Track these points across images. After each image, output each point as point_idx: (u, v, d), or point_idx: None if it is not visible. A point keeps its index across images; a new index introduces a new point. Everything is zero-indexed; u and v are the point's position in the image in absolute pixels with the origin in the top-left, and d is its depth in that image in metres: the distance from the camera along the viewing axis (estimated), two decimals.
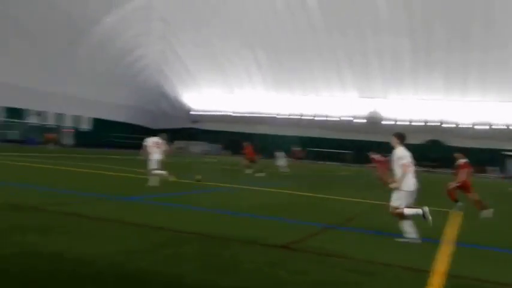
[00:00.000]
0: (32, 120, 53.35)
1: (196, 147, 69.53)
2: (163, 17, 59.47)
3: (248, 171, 23.26)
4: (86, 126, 60.79)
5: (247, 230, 7.85)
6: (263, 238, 7.14)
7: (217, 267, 5.37)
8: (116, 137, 64.23)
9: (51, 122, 55.14)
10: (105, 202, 9.99)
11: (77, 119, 59.37)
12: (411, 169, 7.70)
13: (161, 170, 14.31)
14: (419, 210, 7.58)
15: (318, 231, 8.22)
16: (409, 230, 7.62)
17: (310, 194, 14.53)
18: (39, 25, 47.69)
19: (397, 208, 7.64)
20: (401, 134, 8.02)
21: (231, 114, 72.02)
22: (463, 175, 12.39)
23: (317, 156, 62.26)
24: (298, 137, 63.89)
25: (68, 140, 56.69)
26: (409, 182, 7.61)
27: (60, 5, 48.24)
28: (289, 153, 37.17)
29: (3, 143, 45.27)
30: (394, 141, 7.91)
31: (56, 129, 54.67)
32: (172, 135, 72.76)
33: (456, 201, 12.65)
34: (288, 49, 59.67)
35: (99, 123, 61.71)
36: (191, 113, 73.86)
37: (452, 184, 12.55)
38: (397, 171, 7.68)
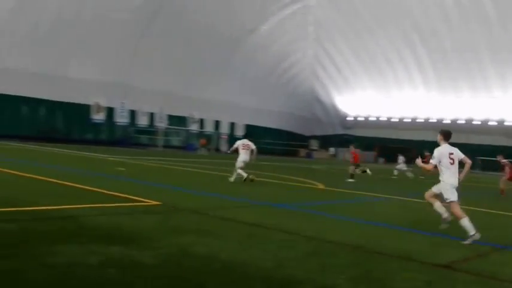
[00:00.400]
0: (192, 127, 58.22)
1: (349, 154, 68.83)
2: (317, 21, 60.26)
3: (350, 179, 22.37)
4: (240, 132, 64.29)
5: (400, 243, 7.49)
6: (419, 254, 6.74)
7: (368, 281, 5.22)
8: (268, 143, 66.66)
9: (209, 128, 59.50)
10: (258, 208, 10.42)
11: (232, 125, 63.16)
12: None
13: (244, 170, 16.05)
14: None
15: (487, 251, 7.49)
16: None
17: (475, 208, 13.32)
18: (198, 35, 52.03)
19: None
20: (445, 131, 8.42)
21: (387, 119, 69.59)
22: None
23: (486, 166, 56.79)
24: (466, 145, 59.10)
25: (224, 146, 60.51)
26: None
27: (221, 16, 52.10)
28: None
29: (167, 149, 50.29)
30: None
31: (211, 136, 58.72)
32: (324, 141, 73.28)
33: None
34: (455, 46, 55.62)
35: (252, 129, 64.72)
36: (346, 118, 73.06)
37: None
38: None
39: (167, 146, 53.74)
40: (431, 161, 8.33)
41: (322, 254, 6.38)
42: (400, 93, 65.63)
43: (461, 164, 8.47)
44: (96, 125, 48.89)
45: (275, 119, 69.66)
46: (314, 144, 74.77)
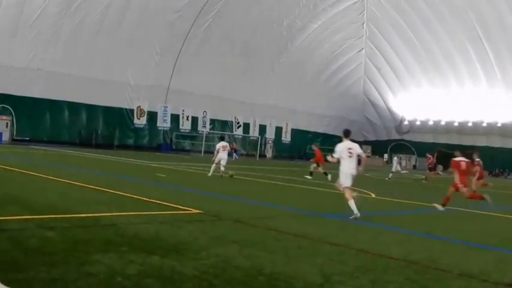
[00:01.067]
0: (237, 132, 58.56)
1: (405, 161, 67.21)
2: (370, 17, 59.51)
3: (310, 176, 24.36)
4: (286, 137, 64.16)
5: (461, 259, 7.23)
6: (482, 271, 6.48)
7: None
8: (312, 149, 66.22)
9: (254, 133, 59.63)
10: (306, 218, 10.35)
11: (279, 130, 63.10)
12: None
13: (224, 168, 19.02)
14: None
15: None
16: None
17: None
18: (244, 36, 52.43)
19: None
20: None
21: (445, 123, 67.61)
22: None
23: None
24: None
25: (268, 152, 60.54)
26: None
27: (269, 15, 52.33)
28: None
29: (210, 155, 50.77)
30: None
31: (256, 141, 58.86)
32: (378, 147, 72.03)
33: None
34: None
35: (300, 134, 64.49)
36: (402, 122, 71.55)
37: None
38: None
39: (211, 151, 54.36)
40: (334, 154, 11.24)
41: (374, 269, 6.24)
42: (462, 93, 63.57)
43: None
44: (138, 130, 50.08)
45: (324, 123, 69.11)
46: (366, 150, 73.68)
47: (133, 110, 49.17)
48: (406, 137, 71.10)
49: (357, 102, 71.13)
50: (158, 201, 10.65)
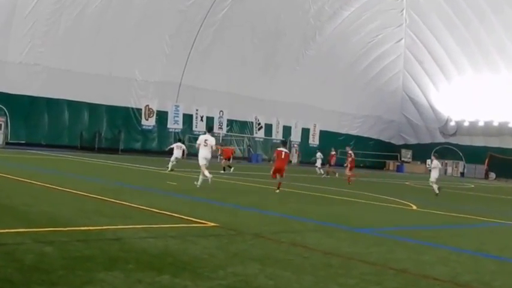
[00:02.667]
0: (258, 134, 58.49)
1: (451, 168, 66.47)
2: (411, 2, 59.06)
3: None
4: (314, 140, 63.88)
5: None
6: None
7: None
8: (344, 153, 65.77)
9: (278, 136, 59.46)
10: (336, 233, 10.30)
11: (305, 132, 62.88)
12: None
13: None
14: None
15: None
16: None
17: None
18: (264, 26, 52.50)
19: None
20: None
21: (499, 124, 66.58)
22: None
23: None
24: None
25: (293, 157, 60.29)
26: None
27: (296, 2, 52.36)
28: None
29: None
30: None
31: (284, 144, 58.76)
32: (420, 152, 71.28)
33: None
34: None
35: (330, 137, 64.15)
36: (448, 123, 70.66)
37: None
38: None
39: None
40: (197, 142, 18.61)
41: None
42: None
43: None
44: (146, 132, 50.47)
45: (358, 124, 68.79)
46: (406, 155, 73.07)
47: (140, 109, 49.58)
48: (453, 140, 70.23)
49: (395, 99, 70.61)
50: (169, 213, 10.71)
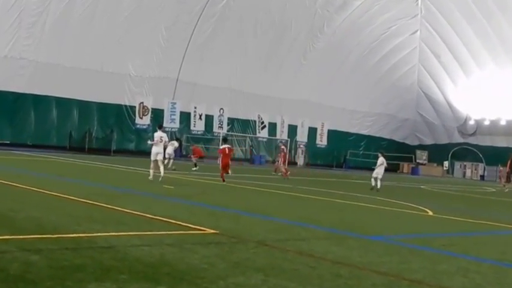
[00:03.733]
0: (261, 133, 58.45)
1: (470, 170, 66.41)
2: None
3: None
4: (322, 140, 63.85)
5: None
6: None
7: None
8: (360, 155, 65.75)
9: (283, 135, 59.42)
10: (345, 240, 10.29)
11: (312, 131, 62.83)
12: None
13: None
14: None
15: None
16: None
17: None
18: (268, 17, 52.47)
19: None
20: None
21: None
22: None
23: None
24: None
25: (300, 159, 60.33)
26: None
27: None
28: None
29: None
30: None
31: (285, 144, 58.73)
32: (436, 153, 71.25)
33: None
34: None
35: (336, 136, 64.12)
36: (467, 122, 70.49)
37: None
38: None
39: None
40: (155, 139, 21.30)
41: None
42: None
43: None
44: (140, 132, 50.49)
45: (369, 123, 68.71)
46: (422, 156, 73.01)
47: (134, 107, 49.62)
48: (472, 140, 70.13)
49: (409, 96, 70.52)
50: (165, 219, 10.71)
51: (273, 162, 56.93)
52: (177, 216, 11.08)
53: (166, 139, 22.10)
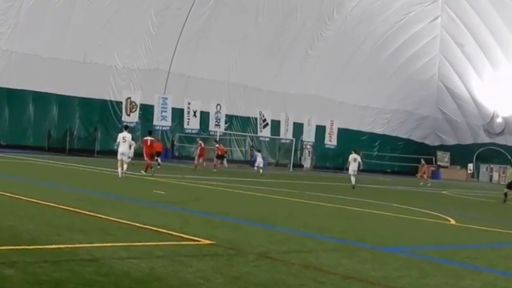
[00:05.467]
0: (263, 132, 58.34)
1: (498, 173, 66.36)
2: None
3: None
4: (331, 140, 63.80)
5: None
6: None
7: None
8: (374, 156, 65.68)
9: (288, 134, 59.30)
10: (356, 252, 10.29)
11: (320, 130, 62.72)
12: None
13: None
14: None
15: None
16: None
17: None
18: (272, 3, 52.51)
19: None
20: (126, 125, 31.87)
21: None
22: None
23: None
24: None
25: (306, 161, 60.29)
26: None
27: None
28: None
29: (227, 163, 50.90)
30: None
31: (290, 145, 58.70)
32: (459, 154, 71.19)
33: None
34: None
35: (347, 136, 64.03)
36: (494, 120, 70.35)
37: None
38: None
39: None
40: (117, 140, 25.75)
41: None
42: None
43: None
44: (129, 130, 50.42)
45: (384, 120, 68.70)
46: (443, 158, 72.99)
47: (121, 102, 49.60)
48: (500, 140, 70.10)
49: (429, 91, 70.47)
50: (155, 228, 10.71)
51: (276, 164, 57.11)
52: (168, 225, 11.08)
53: (130, 139, 25.65)
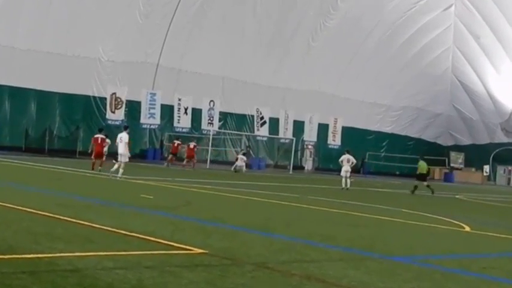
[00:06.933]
0: (260, 131, 58.30)
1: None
2: None
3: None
4: (335, 139, 63.81)
5: None
6: None
7: None
8: (382, 158, 65.71)
9: (287, 134, 59.24)
10: (361, 262, 10.31)
11: (323, 129, 62.74)
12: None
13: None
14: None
15: None
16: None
17: None
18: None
19: None
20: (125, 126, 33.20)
21: None
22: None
23: None
24: None
25: (308, 163, 60.24)
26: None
27: None
28: None
29: (220, 165, 50.86)
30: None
31: (290, 145, 58.72)
32: (475, 155, 71.22)
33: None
34: None
35: (352, 135, 64.02)
36: None
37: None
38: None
39: (220, 161, 54.39)
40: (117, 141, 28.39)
41: None
42: None
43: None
44: (112, 129, 50.33)
45: (393, 118, 68.74)
46: (457, 159, 73.07)
47: (105, 98, 49.52)
48: None
49: (442, 86, 70.53)
50: (143, 236, 10.69)
51: (274, 166, 57.13)
52: (157, 233, 11.07)
53: (126, 140, 27.89)
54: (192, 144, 44.26)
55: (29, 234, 10.11)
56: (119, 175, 26.27)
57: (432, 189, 34.08)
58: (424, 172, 35.66)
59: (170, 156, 45.78)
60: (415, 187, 33.93)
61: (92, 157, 30.78)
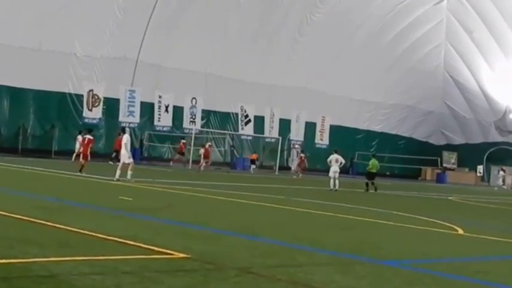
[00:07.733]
0: (244, 130, 58.33)
1: (511, 177, 66.88)
2: None
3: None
4: (322, 139, 63.93)
5: None
6: None
7: None
8: (364, 156, 65.88)
9: (273, 132, 59.25)
10: (350, 267, 10.34)
11: (310, 127, 62.84)
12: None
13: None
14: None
15: None
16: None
17: None
18: None
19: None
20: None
21: None
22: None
23: None
24: None
25: (294, 163, 60.21)
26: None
27: None
28: None
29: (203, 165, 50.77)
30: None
31: (275, 144, 58.76)
32: (468, 155, 71.49)
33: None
34: None
35: (340, 134, 64.09)
36: (508, 116, 70.73)
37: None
38: None
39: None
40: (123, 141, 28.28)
41: None
42: None
43: None
44: (89, 127, 50.12)
45: (383, 116, 68.87)
46: (449, 159, 73.33)
47: (81, 96, 49.37)
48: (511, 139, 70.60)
49: (434, 83, 70.74)
50: (121, 240, 10.68)
51: (262, 166, 57.16)
52: (137, 236, 11.04)
53: (125, 141, 27.91)
54: (207, 145, 45.63)
55: (1, 239, 10.06)
56: (129, 177, 26.60)
57: (376, 187, 35.32)
58: (374, 171, 36.66)
59: (177, 156, 48.41)
60: (367, 185, 35.29)
61: (81, 159, 30.60)
